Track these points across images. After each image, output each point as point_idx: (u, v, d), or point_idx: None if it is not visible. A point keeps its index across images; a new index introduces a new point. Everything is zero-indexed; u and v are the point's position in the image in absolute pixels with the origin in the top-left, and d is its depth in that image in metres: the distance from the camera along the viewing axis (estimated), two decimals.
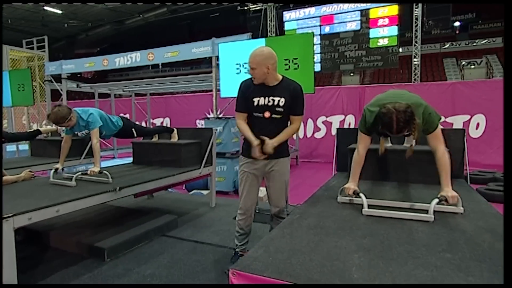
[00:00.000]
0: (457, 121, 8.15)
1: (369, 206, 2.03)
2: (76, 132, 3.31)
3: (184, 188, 5.91)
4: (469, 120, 7.97)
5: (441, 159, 2.08)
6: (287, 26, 13.85)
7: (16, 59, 10.72)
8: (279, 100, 2.40)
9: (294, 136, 9.35)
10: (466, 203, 2.15)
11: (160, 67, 27.48)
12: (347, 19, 12.90)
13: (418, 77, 12.09)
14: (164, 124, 11.28)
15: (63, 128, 3.29)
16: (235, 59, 3.88)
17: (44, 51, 10.81)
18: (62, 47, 28.27)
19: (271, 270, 1.27)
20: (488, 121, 7.71)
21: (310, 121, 9.77)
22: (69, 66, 8.50)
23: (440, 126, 2.17)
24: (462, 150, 3.12)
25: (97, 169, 3.04)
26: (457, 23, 22.65)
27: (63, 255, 2.91)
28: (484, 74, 18.51)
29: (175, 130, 4.10)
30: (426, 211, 1.91)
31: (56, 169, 3.21)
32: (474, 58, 20.05)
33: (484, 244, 1.52)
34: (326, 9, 13.25)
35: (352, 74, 21.96)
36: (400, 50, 18.74)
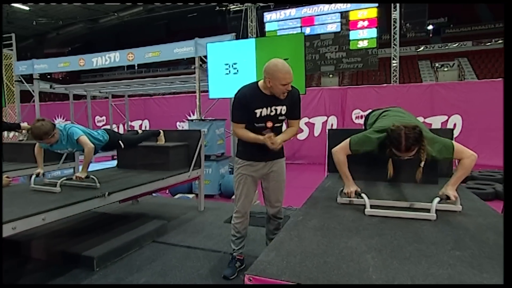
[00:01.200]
0: (436, 122, 8.45)
1: (372, 207, 2.05)
2: (56, 150, 3.13)
3: (167, 192, 5.80)
4: (447, 120, 8.29)
5: (464, 163, 2.06)
6: (268, 27, 13.91)
7: None
8: (281, 109, 2.40)
9: None
10: (462, 201, 2.22)
11: (136, 68, 26.95)
12: (328, 21, 13.09)
13: (397, 78, 12.45)
14: (143, 127, 11.04)
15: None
16: (224, 59, 3.83)
17: (12, 50, 10.35)
18: (30, 45, 27.12)
19: (288, 273, 1.26)
20: (464, 121, 8.05)
21: None
22: (41, 66, 8.18)
23: (456, 144, 2.15)
24: None
25: (83, 174, 2.91)
26: (430, 27, 23.58)
27: (47, 266, 2.77)
28: (457, 76, 19.34)
29: (162, 133, 4.00)
30: (426, 210, 1.96)
31: (38, 174, 3.06)
32: (447, 61, 20.94)
33: (489, 241, 1.56)
34: (307, 11, 13.41)
35: (331, 75, 22.33)
36: (377, 52, 19.37)
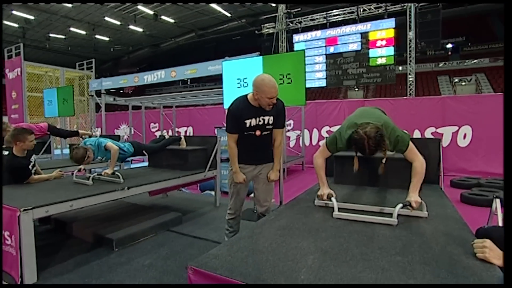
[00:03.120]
0: (447, 132, 7.83)
1: (341, 210, 1.91)
2: (95, 159, 3.33)
3: (198, 188, 5.87)
4: (457, 131, 7.64)
5: (416, 167, 1.96)
6: (296, 47, 13.76)
7: (70, 78, 11.23)
8: (268, 119, 2.34)
9: (301, 144, 9.22)
10: (433, 207, 2.00)
11: (189, 83, 27.95)
12: (349, 41, 12.71)
13: (413, 92, 11.70)
14: (188, 132, 11.37)
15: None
16: (236, 74, 3.82)
17: (92, 71, 11.24)
18: (109, 67, 29.28)
19: (225, 268, 1.19)
20: (474, 131, 7.38)
21: (315, 131, 9.63)
22: (107, 83, 8.71)
23: (411, 143, 2.04)
24: (438, 158, 2.93)
25: (110, 171, 3.05)
26: (449, 45, 21.99)
27: (81, 243, 2.92)
28: (474, 90, 17.78)
29: (183, 138, 4.08)
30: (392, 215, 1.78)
31: (79, 170, 3.25)
32: (465, 76, 19.36)
33: (436, 248, 1.38)
34: (331, 32, 13.10)
35: (356, 89, 21.54)
36: (400, 68, 18.34)
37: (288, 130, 9.79)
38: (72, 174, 3.21)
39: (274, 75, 3.61)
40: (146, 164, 4.45)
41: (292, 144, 9.58)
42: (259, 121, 2.31)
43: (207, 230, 3.21)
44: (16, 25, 18.85)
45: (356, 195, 2.49)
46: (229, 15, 20.56)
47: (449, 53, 22.37)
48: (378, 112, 2.29)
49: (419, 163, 1.97)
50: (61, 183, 3.08)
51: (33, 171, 3.15)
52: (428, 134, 8.02)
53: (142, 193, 3.10)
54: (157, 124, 11.72)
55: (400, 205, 1.77)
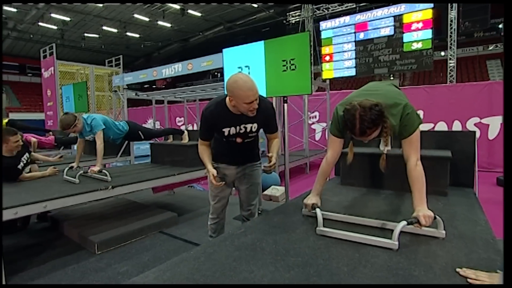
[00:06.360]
0: (494, 122, 6.87)
1: (330, 222, 1.51)
2: (85, 137, 3.18)
3: None
4: None
5: (413, 171, 1.46)
6: (324, 35, 13.00)
7: (100, 75, 11.60)
8: (251, 127, 1.92)
9: (326, 137, 8.67)
10: (457, 222, 1.54)
11: (218, 76, 28.02)
12: (381, 25, 11.75)
13: (453, 78, 10.50)
14: None
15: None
16: (237, 62, 3.48)
17: (120, 68, 11.51)
18: (141, 64, 30.20)
19: None
20: None
21: None
22: (128, 78, 8.79)
23: (419, 132, 1.54)
24: (472, 156, 2.36)
25: (97, 168, 2.87)
26: (501, 25, 19.59)
27: (68, 243, 2.79)
28: None
29: (186, 132, 3.83)
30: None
31: (71, 167, 3.12)
32: None
33: None
34: (360, 17, 12.21)
35: (392, 78, 20.07)
36: (442, 54, 16.72)
37: (314, 123, 9.29)
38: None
39: (276, 61, 3.23)
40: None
41: (317, 137, 9.06)
42: (240, 129, 1.91)
43: (201, 233, 2.94)
44: (55, 27, 19.96)
45: (362, 202, 2.05)
46: (256, 5, 20.08)
47: (501, 34, 19.96)
48: (387, 86, 1.78)
49: (415, 166, 1.47)
50: (51, 181, 2.95)
51: (27, 169, 3.08)
52: (470, 125, 7.10)
53: (128, 193, 2.89)
54: (182, 118, 11.76)
55: (404, 222, 1.32)
